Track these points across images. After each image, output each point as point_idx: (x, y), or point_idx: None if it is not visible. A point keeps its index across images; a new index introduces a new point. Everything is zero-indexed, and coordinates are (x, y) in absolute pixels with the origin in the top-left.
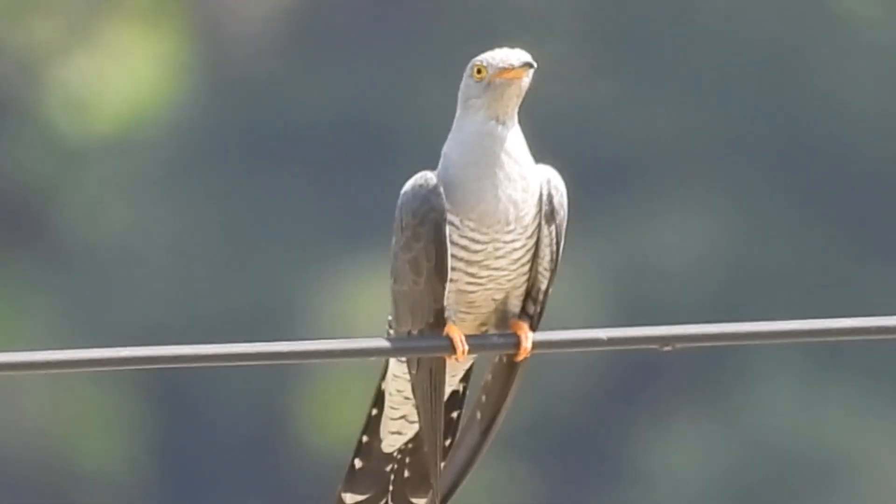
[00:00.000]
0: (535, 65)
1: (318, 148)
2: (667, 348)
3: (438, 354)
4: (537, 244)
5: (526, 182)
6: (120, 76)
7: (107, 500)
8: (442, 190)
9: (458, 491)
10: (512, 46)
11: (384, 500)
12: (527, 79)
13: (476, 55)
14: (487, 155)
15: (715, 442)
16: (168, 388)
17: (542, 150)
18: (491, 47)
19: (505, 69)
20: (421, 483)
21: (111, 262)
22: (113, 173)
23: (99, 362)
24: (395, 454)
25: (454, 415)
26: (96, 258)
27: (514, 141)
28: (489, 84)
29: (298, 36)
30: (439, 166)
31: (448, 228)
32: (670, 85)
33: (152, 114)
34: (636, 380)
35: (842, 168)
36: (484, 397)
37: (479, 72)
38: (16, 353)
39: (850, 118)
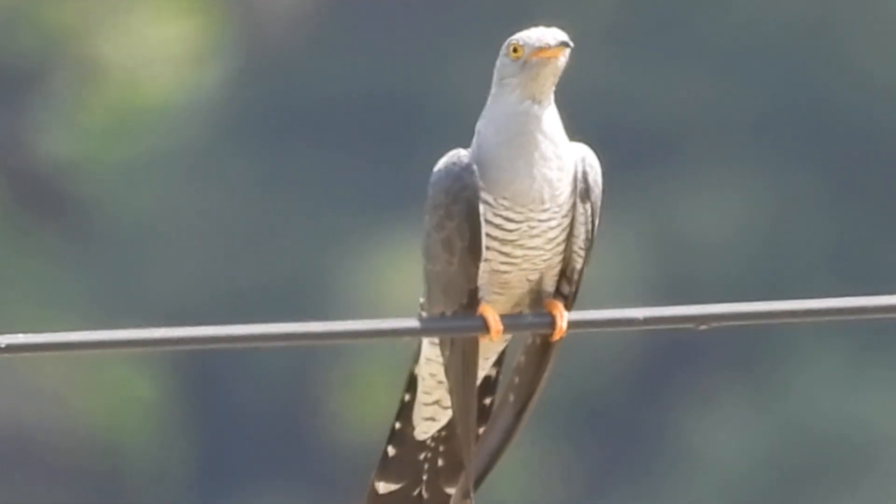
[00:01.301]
0: (572, 44)
1: (351, 123)
2: (703, 327)
3: (473, 334)
4: (572, 223)
5: (561, 161)
6: (152, 52)
7: (141, 483)
8: (475, 168)
9: (491, 474)
10: (548, 25)
11: (418, 490)
12: (563, 58)
13: (508, 29)
14: (522, 134)
15: (757, 423)
16: (201, 371)
17: (576, 127)
18: (524, 22)
19: (541, 48)
20: (454, 472)
21: (141, 239)
22: (144, 149)
23: (132, 343)
24: (428, 442)
25: (487, 401)
26: (126, 235)
27: (550, 120)
28: (525, 63)
29: (331, 11)
30: (473, 144)
31: (482, 207)
32: (703, 62)
33: (184, 89)
34: (678, 360)
35: (876, 144)
36: (517, 379)
37: (515, 51)
38: (49, 335)
39: (883, 94)
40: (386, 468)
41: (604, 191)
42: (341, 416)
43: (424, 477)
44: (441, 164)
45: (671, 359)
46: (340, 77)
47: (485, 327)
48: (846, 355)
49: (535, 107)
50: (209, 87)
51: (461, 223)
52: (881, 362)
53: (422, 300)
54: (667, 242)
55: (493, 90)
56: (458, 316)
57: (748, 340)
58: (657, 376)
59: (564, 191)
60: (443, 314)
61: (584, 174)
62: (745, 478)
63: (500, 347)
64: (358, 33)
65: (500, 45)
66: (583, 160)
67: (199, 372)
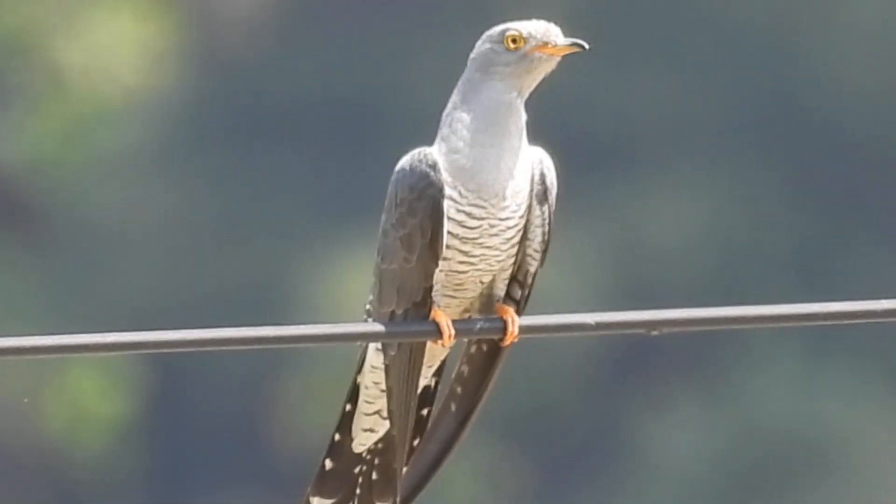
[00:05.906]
0: (588, 47)
1: (312, 125)
2: (654, 333)
3: (425, 339)
4: (527, 225)
5: (523, 158)
6: (111, 57)
7: (100, 487)
8: (441, 165)
9: (436, 481)
10: (528, 19)
11: None
12: (559, 58)
13: (469, 33)
14: (499, 124)
15: (711, 424)
16: (162, 377)
17: (535, 130)
18: (484, 26)
19: (547, 44)
20: (387, 486)
21: (102, 244)
22: (103, 152)
23: (86, 348)
24: (364, 454)
25: (424, 412)
26: (86, 239)
27: (523, 117)
28: (525, 55)
29: (289, 15)
30: (440, 132)
31: (446, 204)
32: (663, 65)
33: (144, 91)
34: (632, 363)
35: (835, 148)
36: (459, 389)
37: (514, 41)
38: (2, 339)
39: (843, 98)
40: (323, 482)
41: (561, 193)
42: (299, 420)
43: (357, 491)
44: (406, 161)
45: (625, 362)
46: (301, 79)
47: (437, 332)
48: (799, 357)
49: (519, 100)
50: (169, 90)
51: (424, 220)
52: (833, 362)
53: (369, 304)
54: (624, 247)
55: (475, 76)
56: (410, 319)
57: (702, 343)
58: (611, 379)
59: (523, 189)
60: (393, 313)
61: (542, 176)
62: (700, 479)
63: (444, 355)
64: (319, 35)
65: (462, 47)
66: (540, 162)
67: (160, 378)
